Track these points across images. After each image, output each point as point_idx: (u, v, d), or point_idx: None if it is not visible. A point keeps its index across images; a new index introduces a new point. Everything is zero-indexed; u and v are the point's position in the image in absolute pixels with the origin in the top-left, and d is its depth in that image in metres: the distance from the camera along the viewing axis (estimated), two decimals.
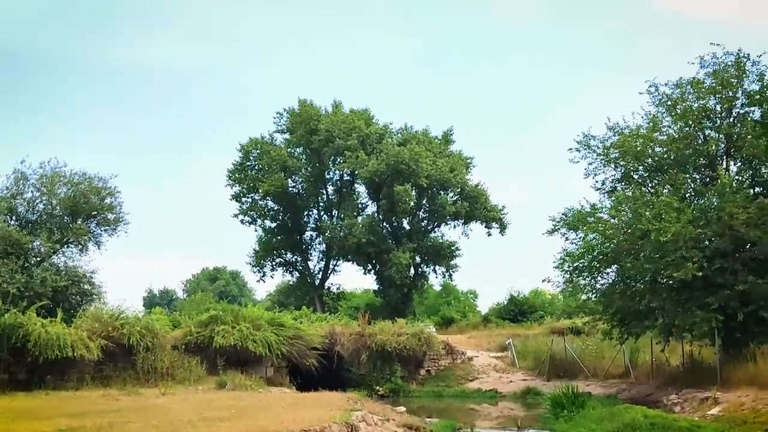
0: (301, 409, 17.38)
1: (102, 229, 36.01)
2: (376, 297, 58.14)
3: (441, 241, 55.65)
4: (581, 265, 26.01)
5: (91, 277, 34.06)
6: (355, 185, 57.31)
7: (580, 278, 26.37)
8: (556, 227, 27.60)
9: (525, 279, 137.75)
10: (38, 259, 33.02)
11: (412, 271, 54.86)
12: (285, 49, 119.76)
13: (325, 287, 58.77)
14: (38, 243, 32.89)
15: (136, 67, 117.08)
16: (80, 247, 35.02)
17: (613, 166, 27.41)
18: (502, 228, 55.65)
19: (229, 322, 29.77)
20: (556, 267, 26.82)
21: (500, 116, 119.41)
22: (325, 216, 57.26)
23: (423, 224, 55.85)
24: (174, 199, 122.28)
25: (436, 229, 56.73)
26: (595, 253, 24.85)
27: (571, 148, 28.18)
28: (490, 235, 55.69)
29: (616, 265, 25.62)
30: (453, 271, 56.00)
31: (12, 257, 30.75)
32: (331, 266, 58.43)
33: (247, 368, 29.40)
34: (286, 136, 57.90)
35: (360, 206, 56.71)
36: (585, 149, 27.82)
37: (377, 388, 33.32)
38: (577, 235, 26.82)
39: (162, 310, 43.09)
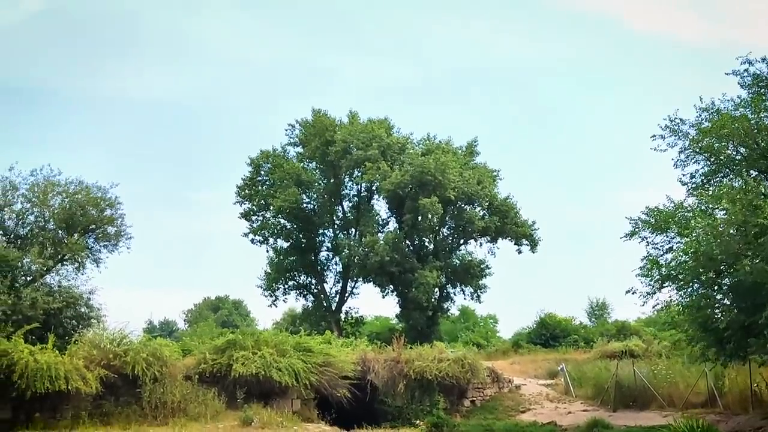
0: None
1: (101, 244, 31.79)
2: (399, 321, 53.81)
3: (470, 258, 51.29)
4: (672, 272, 21.79)
5: (89, 298, 29.68)
6: (373, 201, 53.37)
7: (674, 287, 22.11)
8: (636, 230, 23.51)
9: (544, 301, 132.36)
10: (28, 278, 28.74)
11: (437, 292, 50.48)
12: (291, 74, 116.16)
13: (343, 311, 54.36)
14: (28, 260, 28.59)
15: (132, 98, 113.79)
16: (76, 264, 30.74)
17: (707, 154, 23.32)
18: (533, 245, 51.47)
19: (250, 348, 25.62)
20: (640, 276, 22.60)
21: (523, 131, 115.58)
22: (341, 234, 53.15)
23: (448, 241, 51.61)
24: (172, 228, 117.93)
25: (461, 247, 52.56)
26: (698, 257, 20.50)
27: (654, 136, 24.18)
28: (520, 252, 51.57)
29: (712, 272, 21.36)
30: (482, 292, 51.54)
31: None
32: (348, 288, 54.10)
33: (271, 401, 25.23)
34: (299, 149, 54.07)
35: (380, 223, 52.61)
36: (672, 135, 23.82)
37: (417, 422, 28.84)
38: (667, 237, 22.73)
39: (165, 341, 38.98)
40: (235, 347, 25.58)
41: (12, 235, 30.06)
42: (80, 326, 28.26)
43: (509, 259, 52.47)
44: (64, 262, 30.62)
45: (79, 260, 30.60)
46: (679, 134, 23.75)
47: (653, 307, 23.43)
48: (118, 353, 22.42)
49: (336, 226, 54.05)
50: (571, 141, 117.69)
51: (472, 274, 50.26)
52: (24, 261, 28.54)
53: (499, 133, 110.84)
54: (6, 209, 30.10)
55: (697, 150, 23.43)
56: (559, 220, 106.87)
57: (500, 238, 51.28)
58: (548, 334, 54.41)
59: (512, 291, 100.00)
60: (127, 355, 22.34)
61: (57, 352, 21.23)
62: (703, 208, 22.17)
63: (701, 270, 20.52)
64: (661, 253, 23.24)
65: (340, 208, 54.06)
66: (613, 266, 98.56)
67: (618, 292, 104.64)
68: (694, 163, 23.98)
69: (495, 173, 52.65)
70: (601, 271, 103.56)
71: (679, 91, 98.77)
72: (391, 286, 50.25)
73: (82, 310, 29.08)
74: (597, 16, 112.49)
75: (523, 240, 51.11)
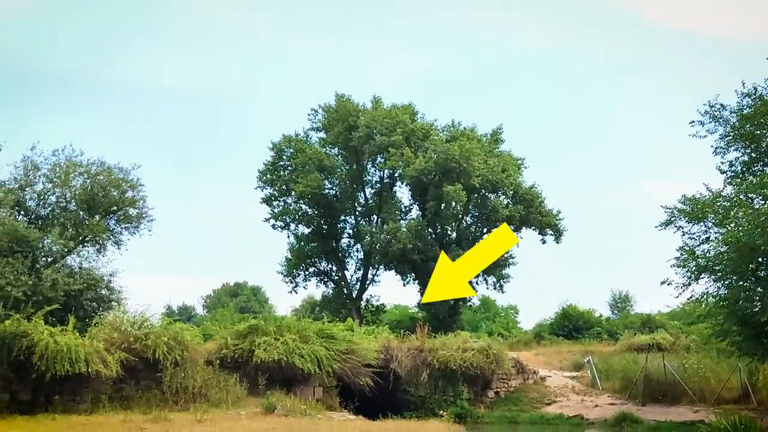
0: None
1: (122, 226, 31.38)
2: (419, 310, 53.20)
3: None
4: (710, 263, 21.01)
5: (110, 280, 29.40)
6: (396, 188, 52.65)
7: (711, 279, 21.34)
8: (672, 219, 22.74)
9: (564, 293, 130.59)
10: (49, 259, 28.37)
11: None
12: (314, 59, 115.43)
13: (363, 299, 53.78)
14: (49, 241, 28.20)
15: (153, 84, 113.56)
16: (97, 246, 30.39)
17: (747, 141, 22.43)
18: (558, 235, 50.50)
19: (272, 333, 25.15)
20: (676, 266, 21.85)
21: (548, 121, 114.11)
22: (363, 221, 52.49)
23: (472, 230, 50.78)
24: (190, 213, 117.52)
25: (484, 236, 51.62)
26: (739, 248, 19.67)
27: (693, 122, 23.40)
28: (544, 242, 50.67)
29: (753, 263, 20.56)
30: (505, 282, 50.76)
31: (18, 256, 26.03)
32: (369, 276, 53.46)
33: (293, 388, 24.77)
34: (322, 134, 53.41)
35: (402, 210, 51.87)
36: (712, 121, 22.98)
37: (440, 412, 28.28)
38: (704, 227, 21.96)
39: (185, 325, 38.62)
40: (258, 333, 25.18)
41: (33, 216, 29.74)
42: (101, 309, 27.98)
43: (529, 249, 51.90)
44: (85, 244, 30.28)
45: (100, 242, 30.26)
46: (720, 120, 22.94)
47: (688, 299, 22.74)
48: (139, 336, 22.09)
49: (358, 213, 53.34)
50: (595, 131, 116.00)
51: (495, 264, 49.31)
52: (45, 242, 28.18)
53: (524, 122, 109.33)
54: (27, 189, 29.76)
55: (738, 137, 22.58)
56: (581, 211, 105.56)
57: (524, 228, 50.38)
58: (571, 325, 53.29)
59: (532, 281, 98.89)
60: (148, 338, 21.98)
61: (77, 334, 20.88)
62: (741, 197, 21.38)
63: (741, 261, 19.75)
64: (698, 243, 22.51)
65: (362, 195, 53.34)
66: (637, 258, 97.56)
67: (641, 284, 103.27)
68: (734, 150, 23.17)
69: (520, 161, 51.75)
70: (623, 263, 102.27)
71: (704, 83, 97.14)
72: (413, 274, 49.59)
73: (103, 292, 28.79)
74: (622, 9, 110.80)
75: (548, 230, 50.19)
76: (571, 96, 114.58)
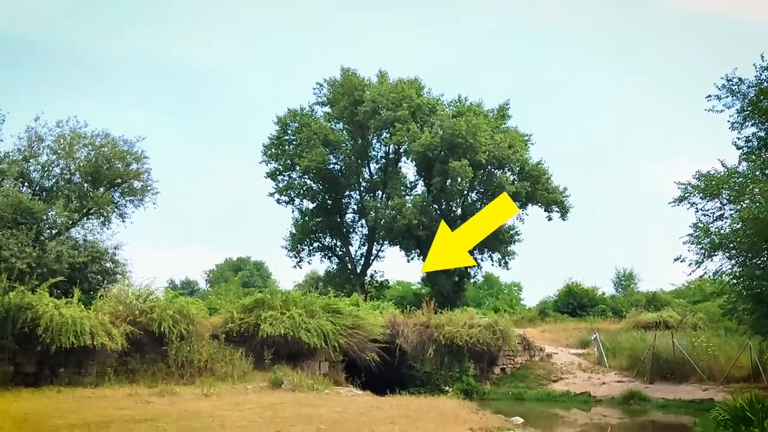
0: (422, 426, 12.26)
1: (127, 199, 31.21)
2: (423, 286, 53.01)
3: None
4: (724, 240, 20.69)
5: (114, 253, 29.22)
6: (401, 163, 52.27)
7: (725, 256, 21.03)
8: (686, 195, 22.36)
9: (566, 270, 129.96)
10: (53, 231, 28.19)
11: None
12: (320, 33, 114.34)
13: (367, 275, 53.58)
14: (53, 213, 28.10)
15: (157, 59, 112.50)
16: (102, 219, 30.21)
17: (764, 117, 21.99)
18: (564, 212, 50.18)
19: (278, 308, 24.84)
20: (689, 243, 21.56)
21: (555, 97, 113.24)
22: (367, 196, 52.13)
23: (477, 206, 50.41)
24: (193, 189, 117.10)
25: None
26: (756, 224, 19.33)
27: (709, 96, 22.92)
28: (550, 219, 50.40)
29: None
30: (510, 259, 50.53)
31: (22, 228, 25.87)
32: (374, 251, 53.26)
33: (299, 362, 24.50)
34: (327, 108, 52.93)
35: (408, 185, 51.52)
36: (729, 96, 22.53)
37: (446, 388, 28.08)
38: (718, 204, 21.61)
39: (191, 299, 38.40)
40: (264, 307, 24.87)
41: (37, 187, 29.57)
42: (105, 281, 27.82)
43: (531, 225, 51.96)
44: (90, 216, 30.13)
45: (105, 214, 30.08)
46: (737, 94, 22.48)
47: (700, 276, 22.49)
48: (144, 310, 21.79)
49: (363, 188, 53.06)
50: (600, 109, 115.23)
51: (500, 240, 49.07)
52: (49, 214, 28.04)
53: (531, 98, 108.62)
54: (32, 160, 29.57)
55: (756, 111, 22.13)
56: (584, 189, 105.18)
57: (530, 204, 50.06)
58: (575, 303, 53.02)
59: (534, 258, 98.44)
60: (153, 311, 21.66)
61: (82, 306, 20.62)
62: (758, 173, 21.00)
63: (757, 238, 19.43)
64: (711, 220, 22.16)
65: (367, 170, 53.05)
66: (640, 236, 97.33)
67: (644, 262, 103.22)
68: (751, 125, 22.73)
69: (527, 137, 51.35)
70: (626, 241, 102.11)
71: (712, 63, 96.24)
72: (417, 250, 49.40)
73: (108, 265, 28.61)
74: None
75: (554, 206, 49.86)
76: (578, 73, 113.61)
